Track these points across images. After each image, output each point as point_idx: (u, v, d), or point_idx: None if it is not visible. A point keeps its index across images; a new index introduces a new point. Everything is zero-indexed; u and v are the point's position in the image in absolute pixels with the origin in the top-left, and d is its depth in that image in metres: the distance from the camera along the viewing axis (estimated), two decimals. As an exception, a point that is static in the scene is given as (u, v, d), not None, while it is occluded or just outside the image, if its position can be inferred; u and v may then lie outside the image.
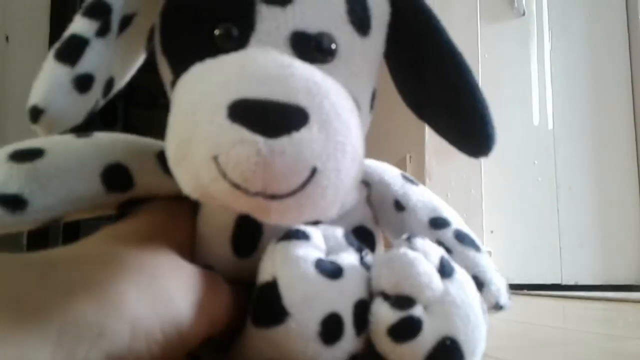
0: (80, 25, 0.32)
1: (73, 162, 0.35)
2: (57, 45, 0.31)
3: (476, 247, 0.39)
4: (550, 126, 1.89)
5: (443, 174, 1.71)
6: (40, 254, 0.27)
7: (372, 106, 0.37)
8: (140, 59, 0.38)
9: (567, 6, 1.96)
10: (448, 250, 0.38)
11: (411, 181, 0.43)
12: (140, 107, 1.95)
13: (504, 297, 0.38)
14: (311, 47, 0.32)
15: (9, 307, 0.22)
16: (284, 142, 0.25)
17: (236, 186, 0.26)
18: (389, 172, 0.42)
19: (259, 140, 0.25)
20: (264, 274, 0.31)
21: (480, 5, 1.84)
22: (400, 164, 1.74)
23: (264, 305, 0.30)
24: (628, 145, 1.93)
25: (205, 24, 0.32)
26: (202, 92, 0.27)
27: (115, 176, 0.36)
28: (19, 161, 0.34)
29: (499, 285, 0.38)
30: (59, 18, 1.54)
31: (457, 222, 0.41)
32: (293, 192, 0.26)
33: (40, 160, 0.35)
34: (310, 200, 0.27)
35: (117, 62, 0.35)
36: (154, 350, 0.26)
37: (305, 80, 0.27)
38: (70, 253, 0.28)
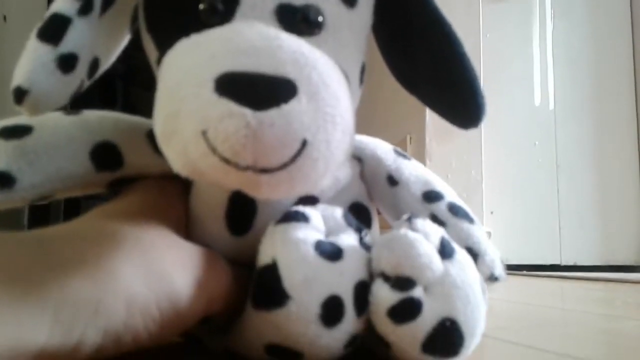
0: (62, 4, 0.31)
1: (62, 139, 0.35)
2: (39, 24, 0.31)
3: (470, 219, 0.39)
4: (552, 107, 1.88)
5: (443, 155, 1.71)
6: (33, 232, 0.27)
7: (361, 80, 0.37)
8: (125, 40, 0.38)
9: (570, -14, 1.94)
10: (442, 223, 0.38)
11: (403, 156, 0.43)
12: (139, 87, 1.94)
13: (498, 268, 0.38)
14: (298, 20, 0.32)
15: (5, 285, 0.22)
16: (272, 114, 0.25)
17: (226, 161, 0.25)
18: (381, 147, 0.42)
19: (248, 113, 0.24)
20: (264, 257, 0.30)
21: (482, -16, 1.83)
22: (401, 145, 1.74)
23: (264, 287, 0.30)
24: (629, 127, 1.93)
25: (189, 0, 0.31)
26: (188, 67, 0.27)
27: (105, 155, 0.36)
28: (6, 138, 0.34)
29: (493, 257, 0.38)
30: (57, -3, 1.53)
31: (451, 195, 0.41)
32: (284, 165, 0.26)
33: (28, 137, 0.34)
34: (301, 173, 0.27)
35: (101, 42, 0.34)
36: (151, 327, 0.26)
37: (292, 52, 0.27)
38: (64, 231, 0.28)
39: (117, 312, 0.25)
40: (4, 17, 1.48)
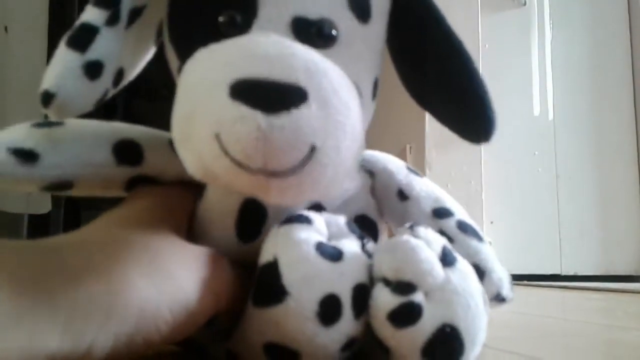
0: (90, 14, 0.33)
1: (88, 132, 0.37)
2: (68, 33, 0.32)
3: (478, 237, 0.40)
4: (551, 117, 1.88)
5: (443, 164, 1.71)
6: (44, 240, 0.27)
7: (374, 94, 0.38)
8: (151, 52, 0.39)
9: (568, -4, 1.95)
10: (450, 239, 0.38)
11: (415, 172, 0.43)
12: (140, 98, 1.94)
13: (506, 288, 0.38)
14: (312, 33, 0.33)
15: (18, 293, 0.22)
16: (283, 118, 0.26)
17: (238, 163, 0.26)
18: (392, 162, 0.43)
19: (259, 116, 0.25)
20: (266, 255, 0.31)
21: (481, -5, 1.84)
22: (401, 155, 1.74)
23: (264, 284, 0.30)
24: (628, 136, 1.93)
25: (210, 11, 0.33)
26: (204, 71, 0.28)
27: (126, 149, 0.38)
28: (39, 127, 0.37)
29: (500, 275, 0.38)
30: (58, 9, 1.54)
31: (460, 212, 0.41)
32: (293, 170, 0.27)
33: (58, 127, 0.37)
34: (310, 178, 0.28)
35: (127, 53, 0.36)
36: (163, 329, 0.27)
37: (304, 61, 0.28)
38: (74, 239, 0.29)
39: (129, 317, 0.25)
40: (5, 28, 1.49)
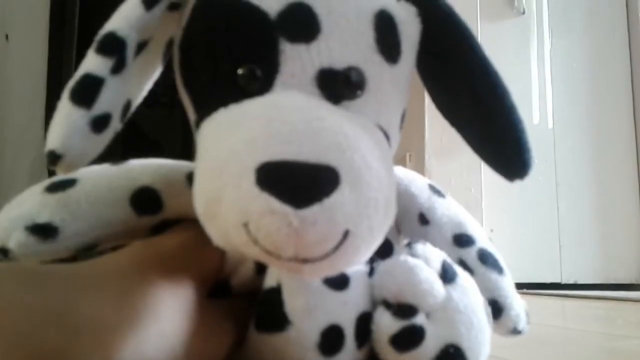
0: (94, 63, 0.30)
1: (103, 188, 0.35)
2: (71, 84, 0.30)
3: (499, 269, 0.38)
4: (550, 125, 1.88)
5: (443, 172, 1.71)
6: (58, 267, 0.27)
7: (401, 126, 0.36)
8: (158, 72, 0.36)
9: (567, 5, 1.96)
10: (470, 270, 0.37)
11: (438, 192, 0.41)
12: (140, 104, 1.94)
13: (522, 322, 0.37)
14: (339, 83, 0.30)
15: None
16: (315, 211, 0.24)
17: (268, 252, 0.25)
18: (415, 183, 0.41)
19: (289, 211, 0.24)
20: (270, 279, 0.31)
21: (480, 3, 1.84)
22: (400, 163, 1.74)
23: (267, 310, 0.30)
24: (628, 144, 1.93)
25: (227, 64, 0.30)
26: (229, 151, 0.26)
27: (144, 200, 0.36)
28: (52, 191, 0.34)
29: (518, 311, 0.37)
30: (59, 17, 1.54)
31: (482, 239, 0.40)
32: (326, 255, 0.26)
33: (72, 189, 0.35)
34: (343, 260, 0.27)
35: (133, 84, 0.34)
36: None
37: (334, 135, 0.26)
38: (96, 267, 0.28)
39: None
40: (6, 36, 1.49)
